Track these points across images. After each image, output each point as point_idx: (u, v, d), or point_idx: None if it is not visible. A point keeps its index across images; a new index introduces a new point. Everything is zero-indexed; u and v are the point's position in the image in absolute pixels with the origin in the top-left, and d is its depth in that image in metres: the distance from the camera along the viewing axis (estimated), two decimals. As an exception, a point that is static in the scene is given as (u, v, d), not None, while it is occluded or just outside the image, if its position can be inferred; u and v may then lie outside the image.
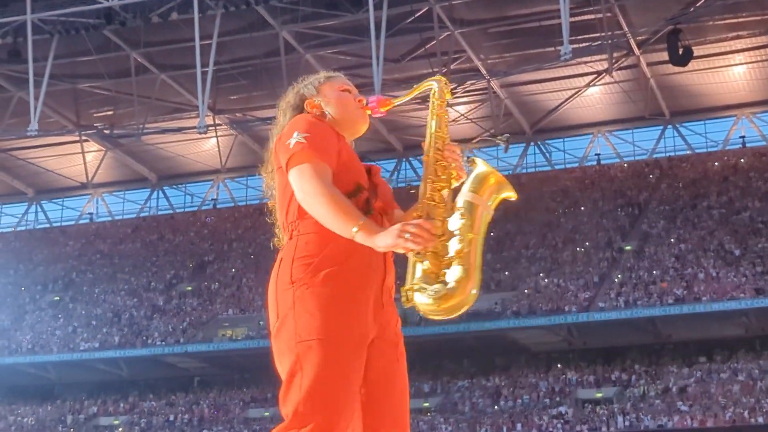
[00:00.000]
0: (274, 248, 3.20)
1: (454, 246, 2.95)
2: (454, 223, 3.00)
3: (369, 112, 3.29)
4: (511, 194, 3.12)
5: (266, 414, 37.02)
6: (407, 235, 2.82)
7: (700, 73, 40.52)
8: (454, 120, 44.53)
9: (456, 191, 3.12)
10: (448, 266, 2.92)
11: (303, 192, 2.95)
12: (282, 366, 2.96)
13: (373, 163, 3.34)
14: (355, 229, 2.86)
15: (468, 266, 2.92)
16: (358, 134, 3.30)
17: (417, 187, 3.14)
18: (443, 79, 3.27)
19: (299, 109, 3.25)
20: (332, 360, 2.88)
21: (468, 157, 3.18)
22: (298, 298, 2.93)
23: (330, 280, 2.94)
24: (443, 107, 3.23)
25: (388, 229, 2.87)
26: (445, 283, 2.90)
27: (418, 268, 2.94)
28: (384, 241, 2.84)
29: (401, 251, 2.89)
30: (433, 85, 3.23)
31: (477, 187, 3.08)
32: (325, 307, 2.91)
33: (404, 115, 43.75)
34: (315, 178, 2.93)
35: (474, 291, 2.91)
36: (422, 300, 2.90)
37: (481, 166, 3.12)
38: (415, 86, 3.27)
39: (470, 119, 44.66)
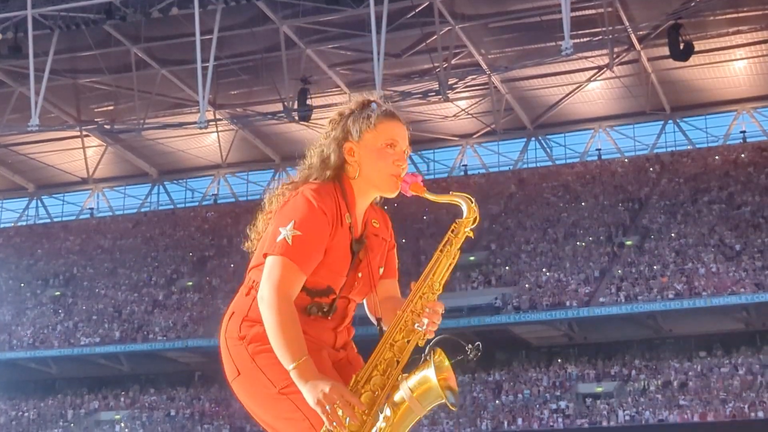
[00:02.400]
0: None
1: None
2: (379, 417, 2.77)
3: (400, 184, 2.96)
4: (452, 406, 2.87)
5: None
6: (328, 408, 2.69)
7: (700, 68, 40.48)
8: (455, 115, 44.57)
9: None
10: None
11: (265, 294, 2.85)
12: (272, 414, 2.92)
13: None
14: (291, 366, 2.77)
15: None
16: (386, 197, 3.06)
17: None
18: (473, 204, 2.90)
19: (340, 144, 3.00)
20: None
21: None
22: (255, 353, 2.90)
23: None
24: (457, 246, 2.92)
25: (322, 383, 2.72)
26: None
27: None
28: (310, 395, 2.73)
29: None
30: (461, 204, 2.90)
31: (418, 386, 2.81)
32: None
33: (405, 112, 43.72)
34: (278, 293, 2.81)
35: None
36: None
37: (433, 368, 2.81)
38: (449, 196, 2.93)
39: (471, 114, 44.66)
